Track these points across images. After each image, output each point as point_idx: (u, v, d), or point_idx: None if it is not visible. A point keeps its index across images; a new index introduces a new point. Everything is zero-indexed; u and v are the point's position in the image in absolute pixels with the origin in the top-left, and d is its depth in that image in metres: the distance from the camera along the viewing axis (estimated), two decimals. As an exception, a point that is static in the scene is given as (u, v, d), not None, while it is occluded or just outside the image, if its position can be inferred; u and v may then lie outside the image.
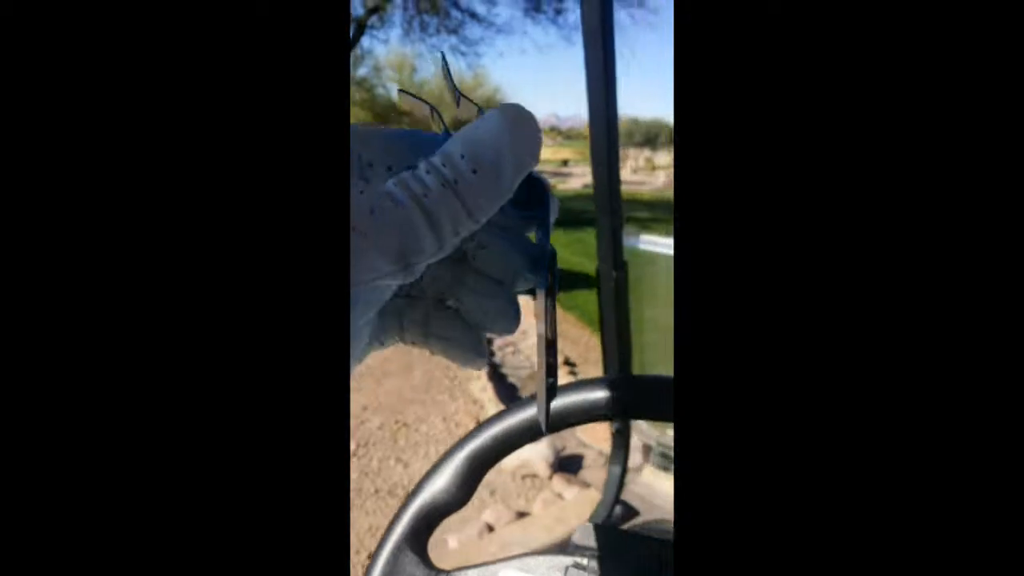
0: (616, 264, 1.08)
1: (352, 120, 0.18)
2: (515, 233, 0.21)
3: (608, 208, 1.02)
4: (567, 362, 3.50)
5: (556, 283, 0.20)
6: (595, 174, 0.97)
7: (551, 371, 0.20)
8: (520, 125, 0.16)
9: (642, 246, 1.54)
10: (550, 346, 0.20)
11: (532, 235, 0.22)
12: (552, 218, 0.20)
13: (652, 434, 1.46)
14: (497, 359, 3.78)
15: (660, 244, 1.52)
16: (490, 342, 3.99)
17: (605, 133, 0.89)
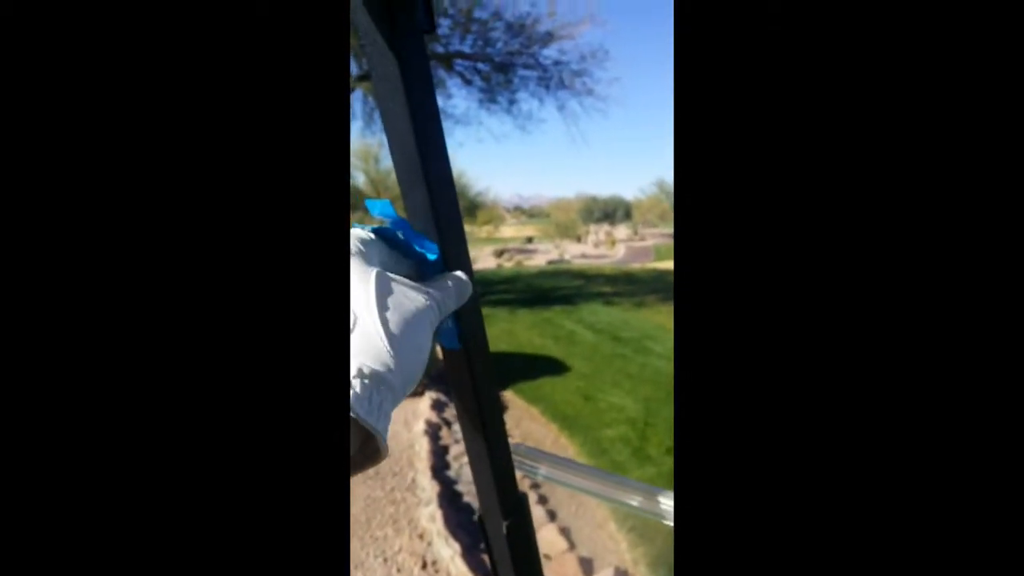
0: (506, 507, 0.46)
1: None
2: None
3: (477, 415, 0.42)
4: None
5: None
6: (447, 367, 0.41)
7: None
8: (465, 283, 0.38)
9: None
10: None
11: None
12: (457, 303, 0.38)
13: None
14: (452, 472, 3.02)
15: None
16: (446, 450, 3.25)
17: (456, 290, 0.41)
